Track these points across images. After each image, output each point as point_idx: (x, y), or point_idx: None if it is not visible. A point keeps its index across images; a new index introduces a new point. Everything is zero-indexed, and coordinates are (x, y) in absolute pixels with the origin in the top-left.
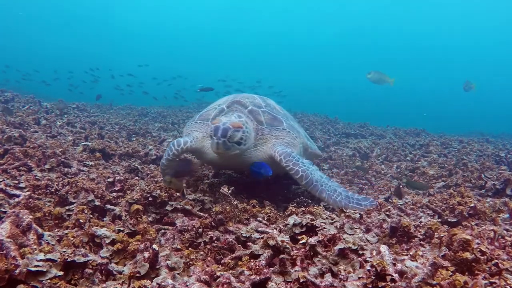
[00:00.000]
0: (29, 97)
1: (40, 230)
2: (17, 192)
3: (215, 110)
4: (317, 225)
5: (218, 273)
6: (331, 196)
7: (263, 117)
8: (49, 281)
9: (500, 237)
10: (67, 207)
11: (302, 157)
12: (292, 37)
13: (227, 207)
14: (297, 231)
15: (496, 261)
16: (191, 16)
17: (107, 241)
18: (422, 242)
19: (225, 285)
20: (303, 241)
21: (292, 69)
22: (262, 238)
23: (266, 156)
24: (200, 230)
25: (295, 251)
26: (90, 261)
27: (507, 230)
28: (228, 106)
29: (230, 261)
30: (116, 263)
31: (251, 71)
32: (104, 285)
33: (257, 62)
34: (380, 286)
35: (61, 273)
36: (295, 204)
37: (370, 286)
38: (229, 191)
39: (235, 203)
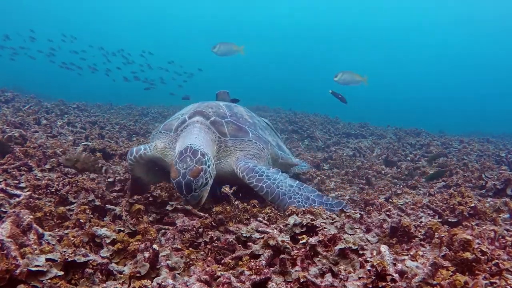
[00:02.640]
0: (29, 96)
1: (40, 230)
2: (18, 192)
3: (178, 120)
4: (317, 225)
5: (219, 273)
6: (303, 206)
7: (227, 129)
8: (49, 281)
9: (500, 237)
10: (67, 207)
11: (269, 168)
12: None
13: (228, 207)
14: (297, 231)
15: (497, 261)
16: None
17: (108, 241)
18: (422, 242)
19: (225, 285)
20: (304, 241)
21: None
22: (263, 238)
23: (231, 170)
24: (201, 230)
25: (295, 251)
26: (91, 261)
27: (507, 230)
28: (190, 117)
29: (230, 261)
30: (117, 263)
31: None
32: (104, 285)
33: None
34: (380, 286)
35: (61, 273)
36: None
37: (371, 286)
38: (231, 191)
39: (236, 203)
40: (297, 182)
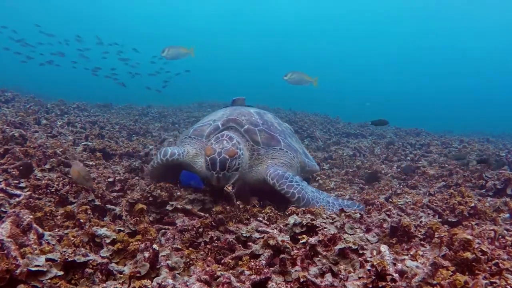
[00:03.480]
0: (29, 96)
1: (40, 230)
2: (18, 192)
3: (209, 126)
4: (317, 225)
5: (219, 273)
6: (330, 210)
7: (260, 137)
8: (49, 280)
9: (500, 236)
10: (69, 207)
11: (295, 175)
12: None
13: (228, 207)
14: (297, 231)
15: (497, 261)
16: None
17: (108, 240)
18: (422, 242)
19: (225, 285)
20: (304, 240)
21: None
22: (263, 238)
23: (261, 178)
24: (201, 230)
25: (295, 251)
26: (91, 261)
27: (507, 230)
28: (223, 124)
29: (230, 261)
30: (117, 263)
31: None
32: (104, 285)
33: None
34: (380, 286)
35: (61, 272)
36: (295, 204)
37: (371, 286)
38: (233, 190)
39: (237, 203)
40: (314, 188)
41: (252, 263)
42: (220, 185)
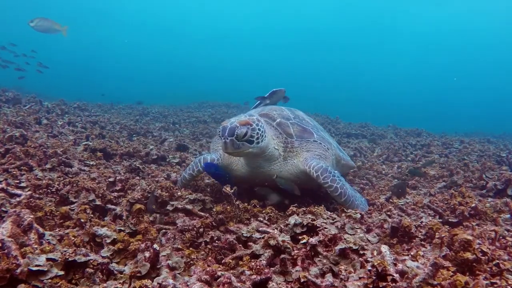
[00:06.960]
0: (30, 96)
1: (41, 230)
2: (18, 191)
3: None
4: (318, 225)
5: (219, 273)
6: (364, 209)
7: (292, 129)
8: (50, 280)
9: (501, 237)
10: (68, 207)
11: (335, 170)
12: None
13: (228, 207)
14: (298, 231)
15: (497, 261)
16: None
17: (108, 240)
18: (423, 242)
19: (226, 285)
20: (304, 241)
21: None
22: (263, 238)
23: (298, 171)
24: (201, 230)
25: (296, 251)
26: (91, 261)
27: (508, 230)
28: None
29: (231, 261)
30: (117, 263)
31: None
32: (105, 284)
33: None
34: (381, 286)
35: (62, 272)
36: (296, 204)
37: (371, 286)
38: (232, 191)
39: (237, 203)
40: (349, 185)
41: (253, 263)
42: (228, 151)
